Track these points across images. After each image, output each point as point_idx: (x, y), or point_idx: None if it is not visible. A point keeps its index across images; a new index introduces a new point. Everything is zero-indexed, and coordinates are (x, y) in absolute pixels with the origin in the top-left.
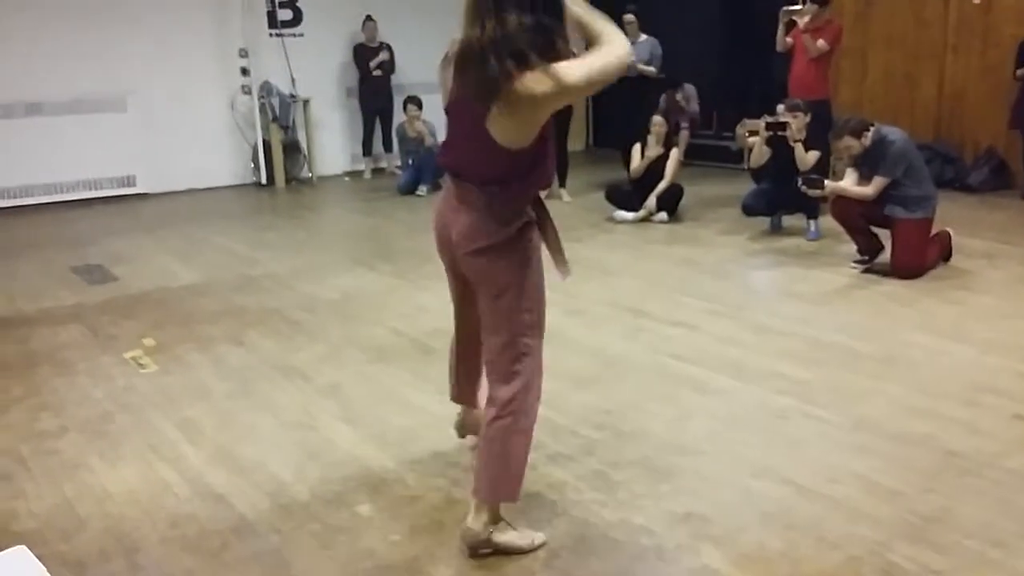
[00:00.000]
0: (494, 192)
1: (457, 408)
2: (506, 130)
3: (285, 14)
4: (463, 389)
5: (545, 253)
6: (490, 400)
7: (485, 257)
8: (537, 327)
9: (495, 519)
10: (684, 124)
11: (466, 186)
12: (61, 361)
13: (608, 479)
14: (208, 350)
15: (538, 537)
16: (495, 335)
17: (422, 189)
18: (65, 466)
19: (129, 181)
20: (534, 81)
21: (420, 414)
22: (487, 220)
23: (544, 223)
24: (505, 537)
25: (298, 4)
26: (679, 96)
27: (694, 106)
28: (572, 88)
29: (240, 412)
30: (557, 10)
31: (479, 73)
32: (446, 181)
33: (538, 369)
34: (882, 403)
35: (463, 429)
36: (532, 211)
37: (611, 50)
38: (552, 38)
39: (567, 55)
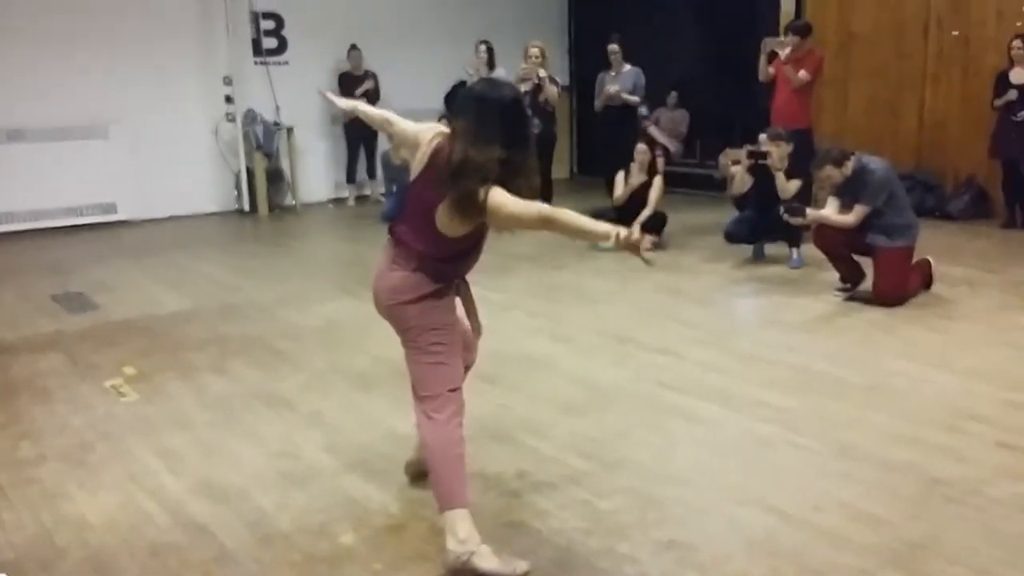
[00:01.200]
0: (426, 264)
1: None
2: (446, 222)
3: (270, 42)
4: None
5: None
6: (419, 426)
7: (404, 307)
8: (448, 360)
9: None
10: (659, 153)
11: (405, 252)
12: (41, 389)
13: (593, 508)
14: (190, 378)
15: (520, 566)
16: (413, 372)
17: None
18: (44, 495)
19: (110, 208)
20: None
21: (404, 443)
22: (414, 279)
23: (463, 291)
24: (487, 564)
25: (283, 32)
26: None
27: (682, 129)
28: (509, 218)
29: (222, 441)
30: (527, 148)
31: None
32: (387, 244)
33: (454, 402)
34: (866, 431)
35: (412, 466)
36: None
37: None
38: (515, 172)
39: (522, 190)
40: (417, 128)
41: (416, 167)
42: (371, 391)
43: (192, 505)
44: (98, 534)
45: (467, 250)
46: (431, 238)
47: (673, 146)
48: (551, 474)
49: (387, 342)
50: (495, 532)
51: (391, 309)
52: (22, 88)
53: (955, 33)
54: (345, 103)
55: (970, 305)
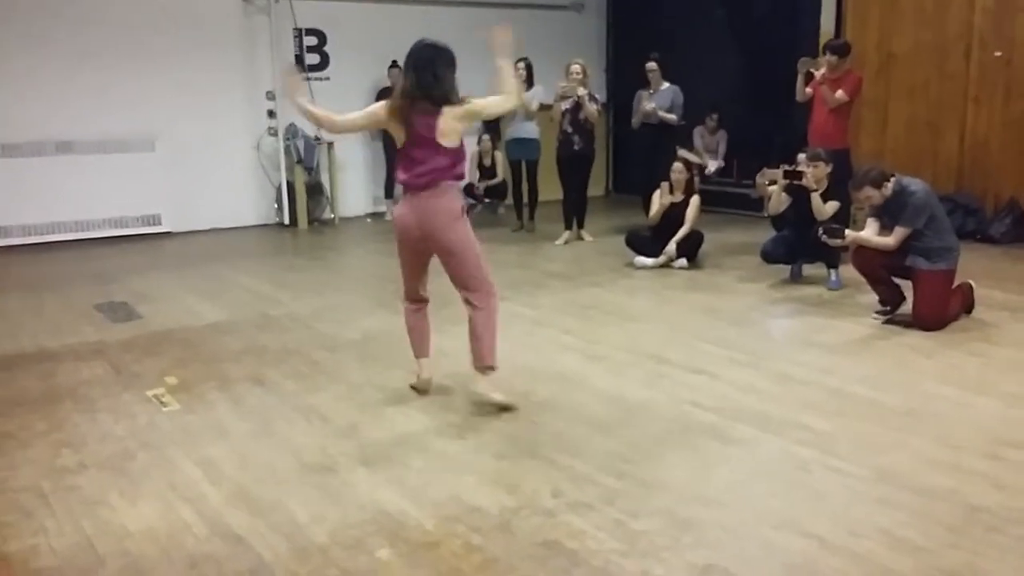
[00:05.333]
0: (453, 185)
1: (414, 377)
2: (449, 132)
3: (312, 58)
4: (425, 344)
5: None
6: (477, 305)
7: (459, 222)
8: (484, 261)
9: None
10: (695, 172)
11: (437, 189)
12: (83, 397)
13: (628, 529)
14: (229, 389)
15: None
16: (473, 275)
17: None
18: (85, 503)
19: (155, 220)
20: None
21: (439, 458)
22: (458, 200)
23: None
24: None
25: (325, 49)
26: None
27: (722, 150)
28: (480, 113)
29: (260, 452)
30: (453, 71)
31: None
32: (407, 197)
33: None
34: (905, 456)
35: (426, 386)
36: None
37: (502, 101)
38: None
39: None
40: (371, 109)
41: (399, 132)
42: (407, 405)
43: (230, 516)
44: (138, 543)
45: (461, 156)
46: (448, 160)
47: (710, 161)
48: (586, 493)
49: None
50: (531, 551)
51: (450, 228)
52: (71, 101)
53: (998, 54)
54: (300, 102)
55: (1011, 330)
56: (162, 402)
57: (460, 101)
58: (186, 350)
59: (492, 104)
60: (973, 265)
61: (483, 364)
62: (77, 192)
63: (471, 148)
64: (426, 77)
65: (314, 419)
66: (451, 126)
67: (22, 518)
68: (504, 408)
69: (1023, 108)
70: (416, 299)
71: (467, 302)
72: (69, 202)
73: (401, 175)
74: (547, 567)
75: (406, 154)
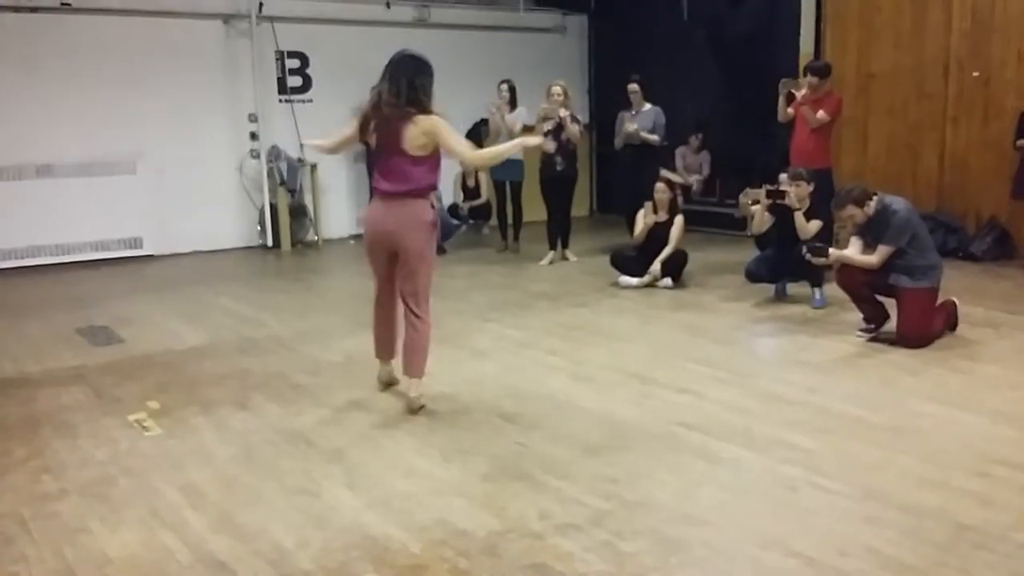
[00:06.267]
0: (424, 194)
1: (377, 367)
2: (416, 140)
3: (295, 81)
4: (389, 346)
5: None
6: (415, 324)
7: (422, 231)
8: (430, 285)
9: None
10: (678, 192)
11: (407, 198)
12: (64, 423)
13: (616, 550)
14: (212, 413)
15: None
16: (418, 291)
17: None
18: (66, 530)
19: (136, 243)
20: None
21: (425, 480)
22: (425, 211)
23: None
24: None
25: (308, 71)
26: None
27: (706, 170)
28: (440, 134)
29: (243, 477)
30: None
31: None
32: (379, 200)
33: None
34: (892, 474)
35: (386, 382)
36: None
37: (464, 149)
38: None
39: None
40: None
41: (370, 136)
42: (391, 428)
43: (213, 542)
44: (119, 570)
45: (435, 166)
46: (417, 168)
47: (692, 181)
48: (573, 515)
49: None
50: (516, 574)
51: (415, 232)
52: (51, 124)
53: (976, 74)
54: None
55: (994, 347)
56: (144, 427)
57: (430, 112)
58: (168, 374)
59: (455, 142)
60: (955, 283)
61: (411, 374)
62: (58, 215)
63: (455, 169)
64: (401, 84)
65: (298, 443)
66: (418, 136)
67: (2, 546)
68: (418, 406)
69: (1001, 128)
70: (385, 306)
71: (408, 315)
72: (50, 226)
73: (376, 182)
74: None
75: (381, 162)
